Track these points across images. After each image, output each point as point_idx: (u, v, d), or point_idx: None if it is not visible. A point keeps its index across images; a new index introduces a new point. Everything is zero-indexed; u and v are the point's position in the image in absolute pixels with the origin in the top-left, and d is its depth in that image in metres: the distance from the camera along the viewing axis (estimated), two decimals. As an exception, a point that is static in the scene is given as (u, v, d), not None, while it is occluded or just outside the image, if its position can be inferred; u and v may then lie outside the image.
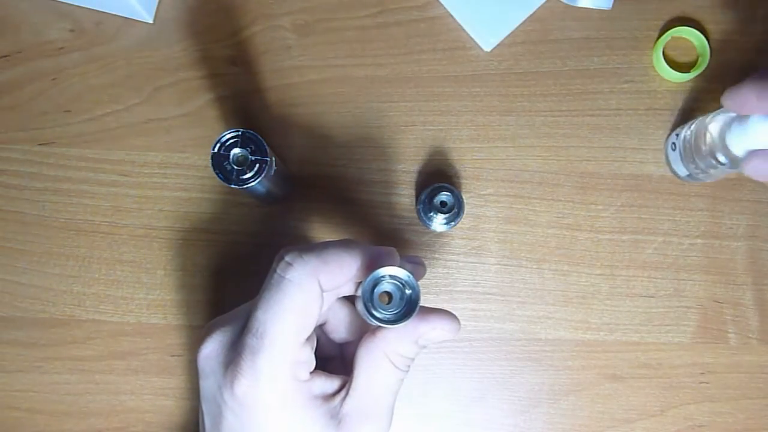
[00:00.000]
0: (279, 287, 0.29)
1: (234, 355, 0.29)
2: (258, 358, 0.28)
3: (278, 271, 0.29)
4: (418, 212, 0.42)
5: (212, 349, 0.30)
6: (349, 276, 0.30)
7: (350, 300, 0.34)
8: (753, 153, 0.34)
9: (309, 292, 0.29)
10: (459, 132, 0.44)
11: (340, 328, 0.34)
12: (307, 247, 0.30)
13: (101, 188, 0.44)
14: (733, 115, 0.35)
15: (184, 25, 0.45)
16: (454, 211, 0.41)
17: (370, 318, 0.28)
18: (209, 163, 0.35)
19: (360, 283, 0.29)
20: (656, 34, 0.44)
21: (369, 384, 0.30)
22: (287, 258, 0.29)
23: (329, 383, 0.31)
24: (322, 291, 0.29)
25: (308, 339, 0.30)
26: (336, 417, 0.30)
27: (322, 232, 0.43)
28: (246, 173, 0.34)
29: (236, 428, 0.29)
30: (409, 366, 0.31)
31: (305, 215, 0.43)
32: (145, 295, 0.43)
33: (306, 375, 0.30)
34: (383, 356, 0.30)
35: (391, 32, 0.45)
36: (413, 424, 0.42)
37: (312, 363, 0.30)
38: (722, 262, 0.43)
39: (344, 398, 0.30)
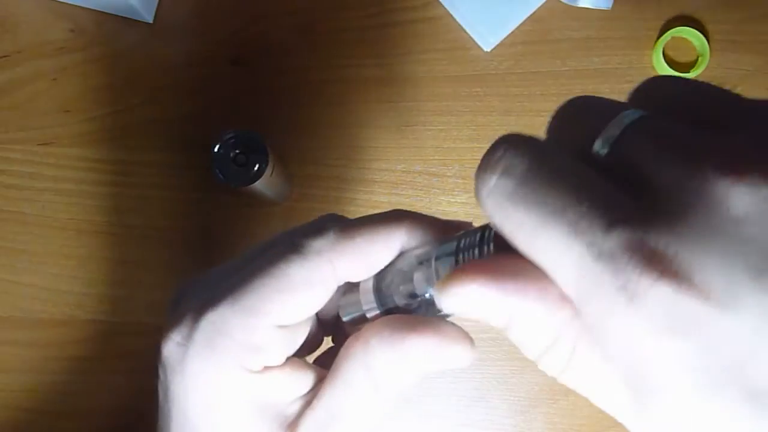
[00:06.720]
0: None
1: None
2: (199, 321, 0.23)
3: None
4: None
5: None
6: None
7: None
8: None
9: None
10: (459, 132, 0.44)
11: None
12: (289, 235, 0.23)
13: (101, 188, 0.44)
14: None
15: (184, 25, 0.45)
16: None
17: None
18: (209, 163, 0.35)
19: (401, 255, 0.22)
20: (656, 34, 0.44)
21: (336, 399, 0.22)
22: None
23: (299, 381, 0.23)
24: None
25: (290, 326, 0.22)
26: (283, 427, 0.22)
27: (322, 232, 0.43)
28: (246, 173, 0.34)
29: (162, 406, 0.23)
30: (395, 395, 0.22)
31: (305, 215, 0.43)
32: (145, 295, 0.43)
33: (257, 366, 0.22)
34: (362, 366, 0.21)
35: (391, 32, 0.45)
36: (413, 424, 0.42)
37: (276, 355, 0.22)
38: (722, 262, 0.43)
39: (305, 407, 0.22)
